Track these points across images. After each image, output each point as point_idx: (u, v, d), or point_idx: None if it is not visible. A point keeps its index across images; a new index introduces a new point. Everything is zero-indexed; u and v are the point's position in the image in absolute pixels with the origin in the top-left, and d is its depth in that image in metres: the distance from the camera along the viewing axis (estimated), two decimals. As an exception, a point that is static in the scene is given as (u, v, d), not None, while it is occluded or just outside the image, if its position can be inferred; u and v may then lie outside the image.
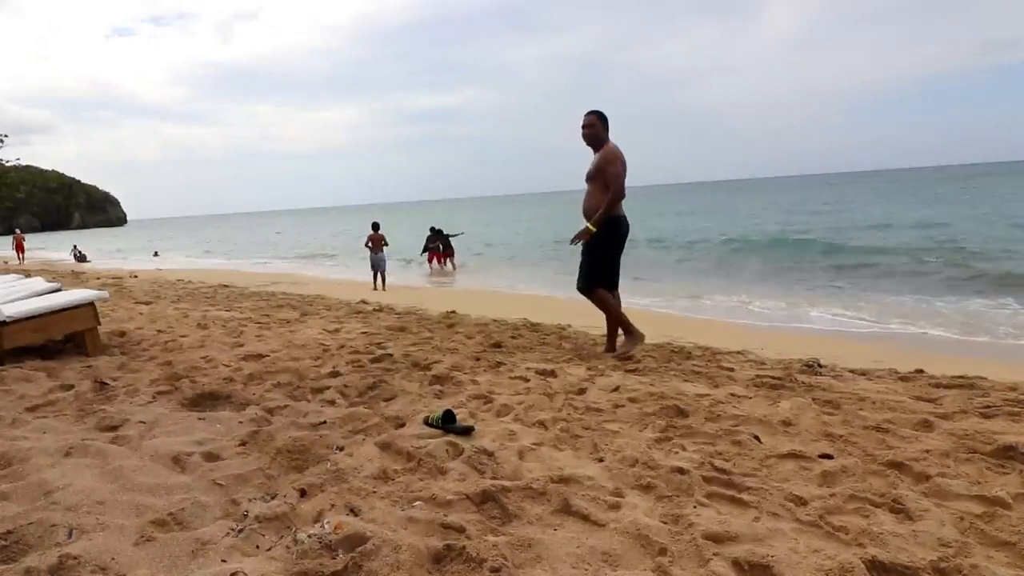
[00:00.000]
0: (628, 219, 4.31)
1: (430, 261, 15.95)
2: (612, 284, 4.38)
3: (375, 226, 12.89)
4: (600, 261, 4.30)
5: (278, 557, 1.53)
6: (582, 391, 3.24)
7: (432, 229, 16.10)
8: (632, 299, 7.44)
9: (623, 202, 4.27)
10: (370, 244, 12.56)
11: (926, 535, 1.70)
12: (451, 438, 2.42)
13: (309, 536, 1.59)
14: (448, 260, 15.79)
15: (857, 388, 3.36)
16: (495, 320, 6.19)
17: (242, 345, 4.57)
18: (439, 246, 15.74)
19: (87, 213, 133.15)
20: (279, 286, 11.47)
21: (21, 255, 27.16)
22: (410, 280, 14.17)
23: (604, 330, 5.63)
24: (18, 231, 29.43)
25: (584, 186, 4.42)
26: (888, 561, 1.54)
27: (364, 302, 8.11)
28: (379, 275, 12.46)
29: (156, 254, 29.18)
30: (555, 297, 10.24)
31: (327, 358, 4.07)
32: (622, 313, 4.39)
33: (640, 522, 1.73)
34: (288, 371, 3.66)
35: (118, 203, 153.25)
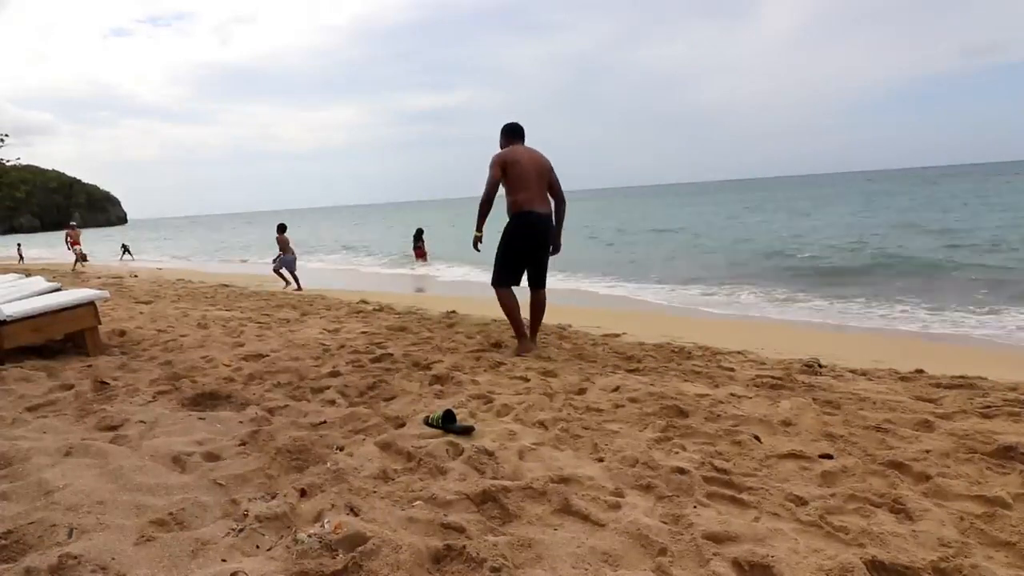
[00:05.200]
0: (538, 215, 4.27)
1: (417, 255, 19.02)
2: (515, 281, 4.47)
3: (281, 228, 12.14)
4: (500, 258, 4.39)
5: (278, 557, 1.53)
6: (582, 391, 3.24)
7: (419, 230, 19.13)
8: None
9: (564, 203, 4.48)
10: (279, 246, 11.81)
11: (926, 535, 1.70)
12: (451, 438, 2.42)
13: (309, 536, 1.59)
14: (424, 256, 19.21)
15: (857, 388, 3.36)
16: (495, 320, 6.17)
17: (242, 345, 4.57)
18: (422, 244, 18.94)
19: (87, 213, 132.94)
20: (279, 284, 11.46)
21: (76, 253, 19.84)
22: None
23: (605, 330, 5.64)
24: (74, 224, 21.07)
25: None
26: (888, 561, 1.54)
27: (364, 302, 8.10)
28: (292, 276, 11.56)
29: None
30: (554, 297, 10.13)
31: (327, 358, 4.08)
32: (519, 316, 4.42)
33: (640, 522, 1.73)
34: (288, 371, 3.66)
35: (118, 202, 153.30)
